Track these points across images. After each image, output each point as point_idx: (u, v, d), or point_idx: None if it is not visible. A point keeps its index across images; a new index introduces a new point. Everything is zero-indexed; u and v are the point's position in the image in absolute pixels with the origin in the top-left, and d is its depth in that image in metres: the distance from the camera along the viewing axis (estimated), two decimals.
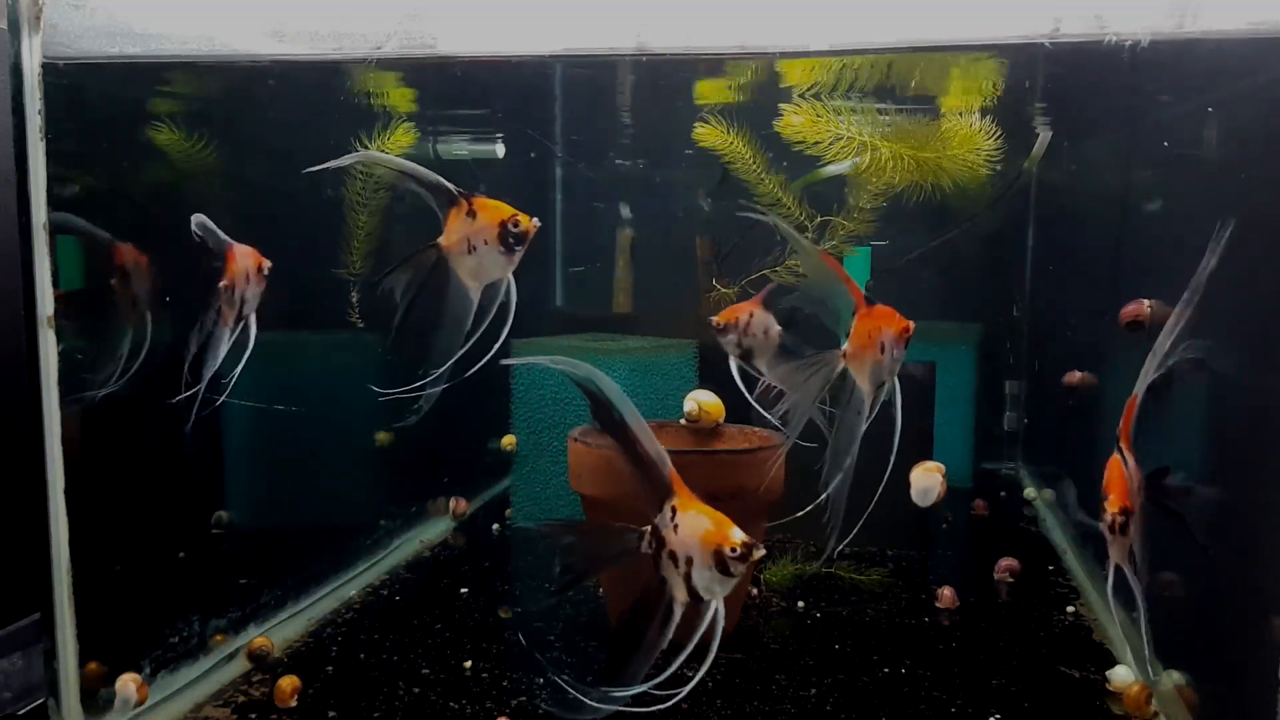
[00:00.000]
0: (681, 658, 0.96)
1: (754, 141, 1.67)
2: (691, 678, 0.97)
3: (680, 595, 0.95)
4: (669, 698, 0.97)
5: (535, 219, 1.09)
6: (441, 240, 1.11)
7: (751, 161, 1.69)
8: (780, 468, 1.54)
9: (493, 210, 1.09)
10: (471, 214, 1.09)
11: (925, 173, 1.61)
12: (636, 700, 0.97)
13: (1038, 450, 2.52)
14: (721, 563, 0.93)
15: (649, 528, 0.97)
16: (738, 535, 0.93)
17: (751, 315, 1.49)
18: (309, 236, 1.77)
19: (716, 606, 0.95)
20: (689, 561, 0.94)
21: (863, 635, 1.54)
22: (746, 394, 1.51)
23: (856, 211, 1.70)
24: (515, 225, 1.08)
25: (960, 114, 1.60)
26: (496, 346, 1.13)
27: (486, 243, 1.09)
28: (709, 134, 1.67)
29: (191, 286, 1.44)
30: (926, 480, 1.40)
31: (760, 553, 0.93)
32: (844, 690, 1.34)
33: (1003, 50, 1.39)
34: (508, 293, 1.12)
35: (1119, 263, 1.79)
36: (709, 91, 1.65)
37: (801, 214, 1.72)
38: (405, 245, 2.14)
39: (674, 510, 0.95)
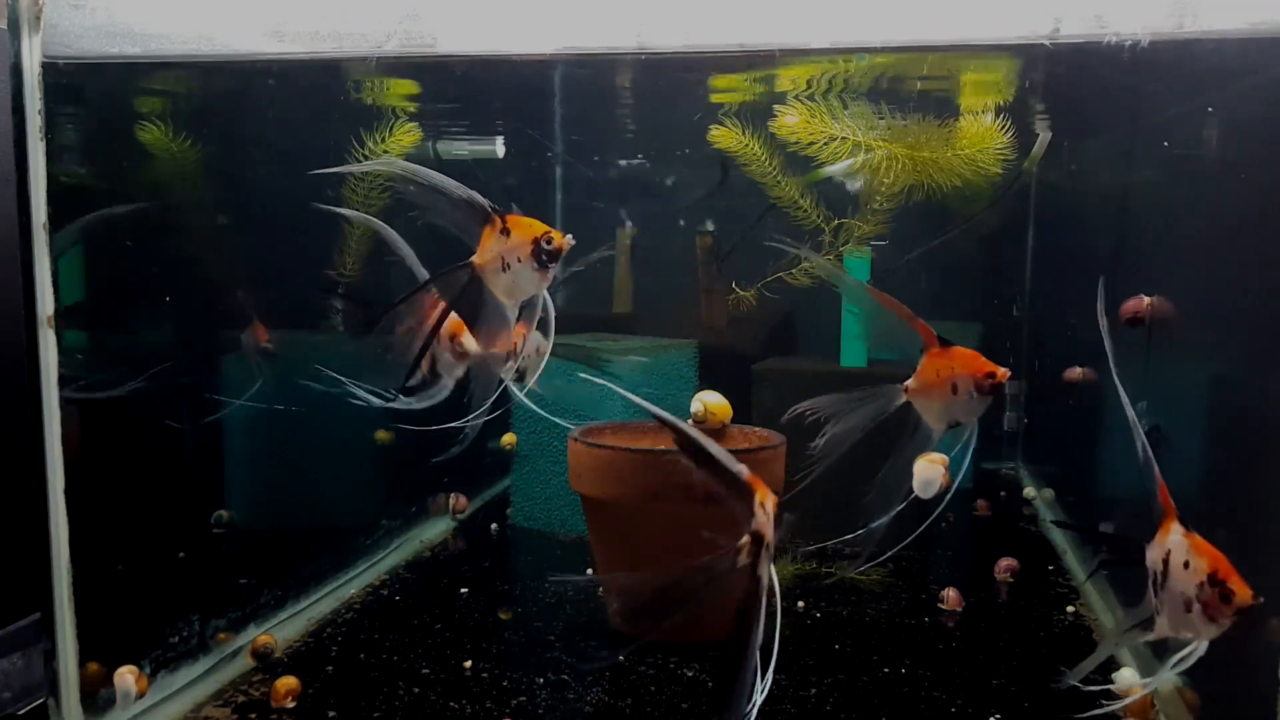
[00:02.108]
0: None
1: (770, 144, 1.66)
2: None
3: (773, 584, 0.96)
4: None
5: (569, 236, 1.08)
6: (475, 259, 1.10)
7: (768, 164, 1.68)
8: (780, 468, 1.55)
9: (526, 228, 1.08)
10: (505, 232, 1.08)
11: (926, 173, 1.61)
12: None
13: (1038, 450, 2.52)
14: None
15: (746, 538, 0.95)
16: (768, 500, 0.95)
17: (524, 338, 1.50)
18: (311, 236, 1.77)
19: (772, 578, 0.97)
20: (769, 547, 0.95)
21: (863, 635, 1.54)
22: (542, 413, 1.52)
23: (870, 213, 1.69)
24: (549, 242, 1.07)
25: (975, 114, 1.60)
26: (543, 363, 1.14)
27: (520, 260, 1.08)
28: (724, 136, 1.66)
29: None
30: (930, 472, 1.39)
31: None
32: (844, 690, 1.34)
33: (1002, 51, 1.39)
34: (545, 308, 1.11)
35: (1119, 263, 1.79)
36: (723, 91, 1.64)
37: (819, 217, 1.71)
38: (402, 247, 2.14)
39: (763, 504, 0.95)
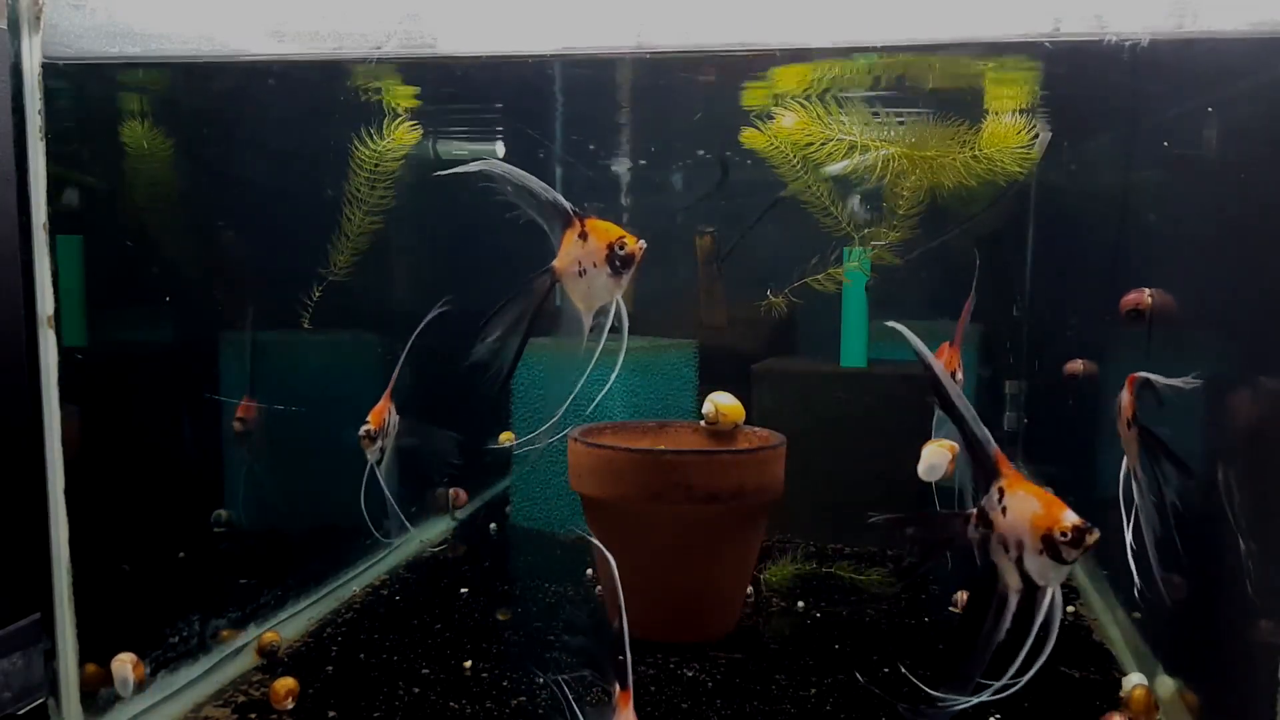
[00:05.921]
0: (1022, 653, 0.91)
1: (797, 146, 1.64)
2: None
3: (1013, 582, 0.90)
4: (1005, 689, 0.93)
5: (642, 241, 1.05)
6: (556, 263, 1.08)
7: (799, 168, 1.66)
8: (780, 468, 1.54)
9: (602, 232, 1.05)
10: (583, 236, 1.06)
11: (936, 173, 1.60)
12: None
13: (1038, 450, 2.52)
14: (1053, 547, 0.87)
15: (974, 511, 0.93)
16: (1069, 518, 0.87)
17: (389, 412, 1.50)
18: (311, 236, 1.77)
19: (1053, 593, 0.90)
20: (1019, 546, 0.89)
21: (863, 635, 1.54)
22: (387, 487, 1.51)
23: (896, 219, 1.68)
24: (621, 247, 1.04)
25: (997, 115, 1.59)
26: (618, 369, 1.12)
27: (595, 265, 1.05)
28: (755, 138, 1.64)
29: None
30: (936, 457, 1.38)
31: (1094, 536, 0.87)
32: (844, 690, 1.34)
33: (1002, 50, 1.39)
34: (619, 317, 1.08)
35: (1118, 263, 1.79)
36: (755, 94, 1.62)
37: (848, 224, 1.70)
38: (402, 247, 2.14)
39: (1001, 492, 0.91)
